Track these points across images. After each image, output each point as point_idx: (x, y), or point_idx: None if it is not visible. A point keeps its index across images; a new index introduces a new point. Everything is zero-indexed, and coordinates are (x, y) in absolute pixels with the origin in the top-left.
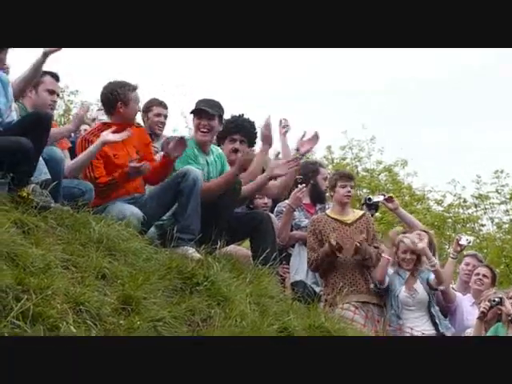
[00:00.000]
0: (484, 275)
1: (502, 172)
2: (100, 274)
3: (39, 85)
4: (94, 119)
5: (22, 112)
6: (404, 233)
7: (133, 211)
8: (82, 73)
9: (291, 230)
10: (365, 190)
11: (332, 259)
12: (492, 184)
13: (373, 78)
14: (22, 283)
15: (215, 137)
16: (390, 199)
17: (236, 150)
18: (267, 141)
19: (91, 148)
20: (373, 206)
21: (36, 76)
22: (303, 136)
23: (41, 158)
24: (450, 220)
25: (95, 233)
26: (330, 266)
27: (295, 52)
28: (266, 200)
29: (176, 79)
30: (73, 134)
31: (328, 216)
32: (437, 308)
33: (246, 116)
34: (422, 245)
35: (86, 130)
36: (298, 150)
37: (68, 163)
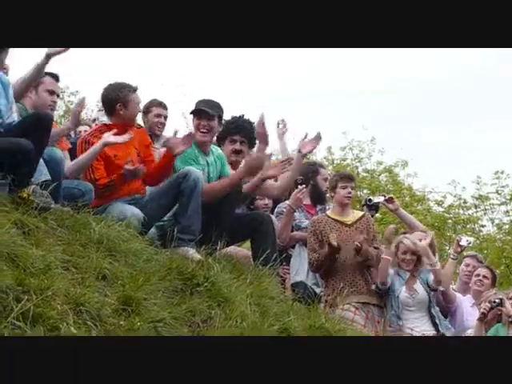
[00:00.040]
0: (484, 276)
1: (502, 173)
2: (100, 275)
3: (39, 85)
4: (94, 120)
5: (22, 113)
6: (404, 233)
7: (133, 212)
8: (82, 73)
9: (291, 231)
10: (365, 191)
11: (332, 261)
12: (492, 185)
13: (373, 78)
14: (22, 284)
15: (215, 137)
16: (390, 200)
17: (237, 151)
18: (263, 139)
19: (92, 149)
20: (373, 207)
21: (38, 77)
22: (305, 137)
23: (41, 159)
24: (450, 221)
25: (95, 234)
26: (330, 267)
27: (295, 52)
28: (266, 201)
29: (176, 79)
30: (73, 135)
31: (328, 217)
32: (437, 308)
33: (246, 117)
34: (423, 244)
35: (86, 131)
36: (299, 150)
37: (68, 164)
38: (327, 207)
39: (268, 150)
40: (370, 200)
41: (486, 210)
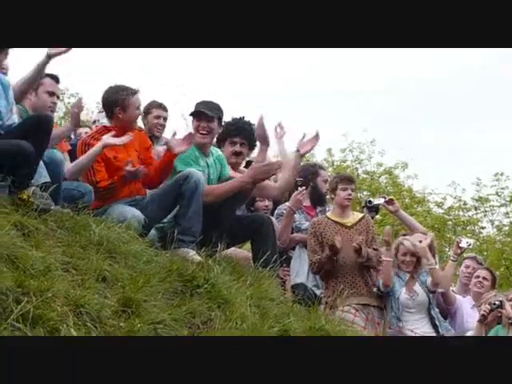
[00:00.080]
0: (484, 278)
1: (502, 174)
2: (100, 277)
3: (39, 87)
4: (94, 121)
5: (22, 114)
6: (404, 235)
7: (134, 213)
8: (82, 73)
9: (292, 233)
10: (365, 193)
11: (333, 262)
12: (492, 186)
13: (373, 78)
14: (22, 286)
15: (215, 139)
16: (390, 202)
17: (237, 153)
18: (263, 140)
19: (91, 151)
20: (373, 209)
21: (39, 78)
22: (303, 137)
23: (40, 161)
24: (450, 222)
25: (95, 235)
26: (331, 269)
27: (295, 52)
28: (266, 203)
29: (176, 79)
30: (73, 137)
31: (328, 218)
32: (437, 310)
33: (246, 118)
34: (422, 244)
35: (86, 132)
36: (298, 150)
37: (68, 166)
38: (327, 209)
39: (271, 153)
40: (370, 202)
41: (485, 211)
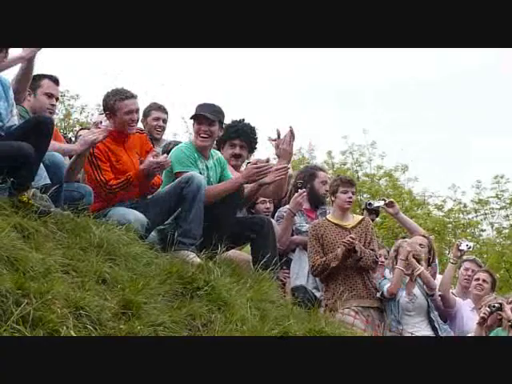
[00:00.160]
0: (484, 280)
1: (501, 177)
2: (100, 279)
3: (38, 88)
4: (95, 123)
5: (23, 115)
6: (404, 238)
7: (136, 216)
8: (82, 74)
9: (292, 235)
10: (365, 195)
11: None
12: (492, 189)
13: (373, 78)
14: (22, 288)
15: (215, 141)
16: (390, 204)
17: (236, 156)
18: (286, 156)
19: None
20: (373, 211)
21: (28, 78)
22: (278, 135)
23: (41, 163)
24: (450, 225)
25: (95, 237)
26: (333, 271)
27: (295, 52)
28: (267, 205)
29: (176, 79)
30: (73, 139)
31: (328, 221)
32: (436, 313)
33: (246, 121)
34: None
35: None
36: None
37: None
38: (327, 211)
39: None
40: (370, 204)
41: (485, 214)
